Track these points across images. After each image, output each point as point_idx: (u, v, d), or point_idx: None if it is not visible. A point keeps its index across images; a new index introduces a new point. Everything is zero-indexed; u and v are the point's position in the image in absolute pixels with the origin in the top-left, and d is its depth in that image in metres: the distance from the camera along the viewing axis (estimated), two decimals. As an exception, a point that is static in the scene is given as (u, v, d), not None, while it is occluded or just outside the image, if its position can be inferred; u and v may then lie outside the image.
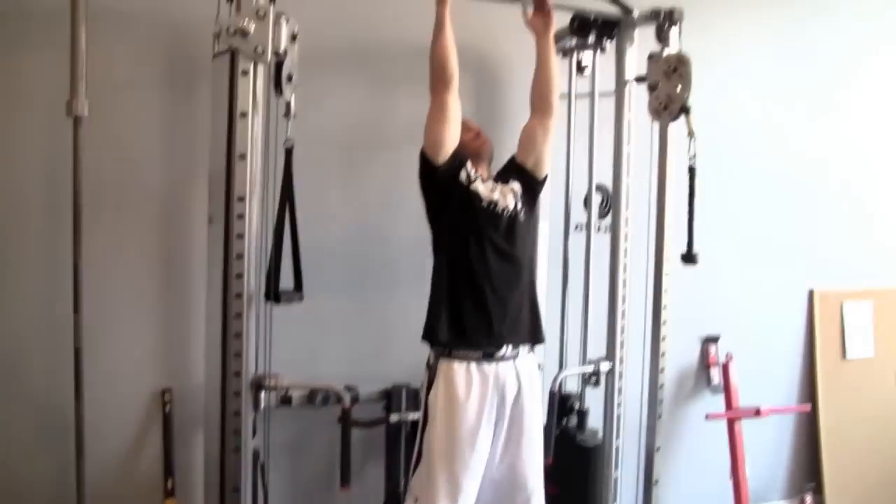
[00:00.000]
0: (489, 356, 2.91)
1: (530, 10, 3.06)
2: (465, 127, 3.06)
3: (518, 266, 3.00)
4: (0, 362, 3.14)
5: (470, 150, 3.05)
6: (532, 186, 3.12)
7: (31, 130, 3.15)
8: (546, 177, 3.19)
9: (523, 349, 3.01)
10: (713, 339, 4.44)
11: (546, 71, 3.08)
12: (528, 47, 3.12)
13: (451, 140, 2.92)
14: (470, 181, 2.98)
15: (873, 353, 4.93)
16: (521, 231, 3.03)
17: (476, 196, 2.97)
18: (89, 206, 2.96)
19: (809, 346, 4.78)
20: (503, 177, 3.11)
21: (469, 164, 3.01)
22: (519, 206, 3.03)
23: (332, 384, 3.19)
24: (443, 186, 2.96)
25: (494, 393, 2.91)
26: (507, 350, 2.94)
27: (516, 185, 3.07)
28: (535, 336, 3.08)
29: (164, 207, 3.35)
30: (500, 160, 3.18)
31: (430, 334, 2.94)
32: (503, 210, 2.99)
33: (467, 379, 2.88)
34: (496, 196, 3.00)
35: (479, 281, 2.92)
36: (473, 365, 2.89)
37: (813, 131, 4.71)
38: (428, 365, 2.98)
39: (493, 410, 2.91)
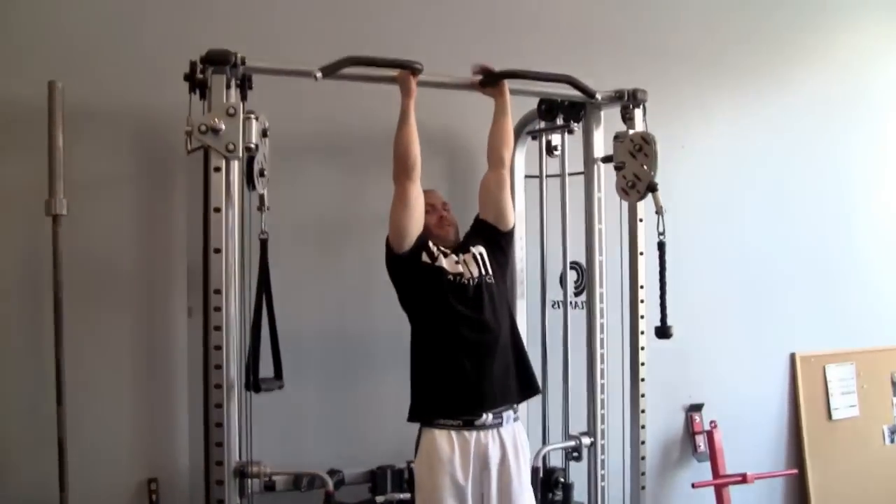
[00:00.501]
0: (469, 424, 2.95)
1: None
2: (431, 207, 3.15)
3: (492, 331, 3.04)
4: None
5: (433, 234, 3.12)
6: (497, 241, 3.19)
7: (10, 229, 3.20)
8: (513, 228, 3.26)
9: (508, 415, 3.04)
10: (697, 407, 4.45)
11: (496, 129, 3.19)
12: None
13: (414, 228, 3.00)
14: (433, 259, 3.05)
15: (858, 412, 4.95)
16: (490, 295, 3.07)
17: (441, 272, 3.03)
18: (70, 300, 3.01)
19: (794, 409, 4.80)
20: (467, 243, 3.18)
21: (430, 244, 3.08)
22: (485, 271, 3.09)
23: (315, 469, 3.19)
24: (408, 270, 3.03)
25: (476, 460, 2.95)
26: (488, 418, 2.97)
27: (480, 249, 3.14)
28: (526, 390, 3.14)
29: (144, 300, 3.39)
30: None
31: (413, 410, 3.00)
32: (468, 280, 3.05)
33: (449, 445, 2.92)
34: (460, 268, 3.06)
35: (453, 353, 2.97)
36: (454, 432, 2.94)
37: (787, 198, 4.81)
38: (417, 438, 3.03)
39: (476, 476, 2.95)
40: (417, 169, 2.96)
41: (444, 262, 3.04)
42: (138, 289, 3.38)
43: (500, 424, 3.01)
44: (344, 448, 3.59)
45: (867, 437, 4.99)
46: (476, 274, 3.06)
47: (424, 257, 3.03)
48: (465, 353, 2.97)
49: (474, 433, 2.95)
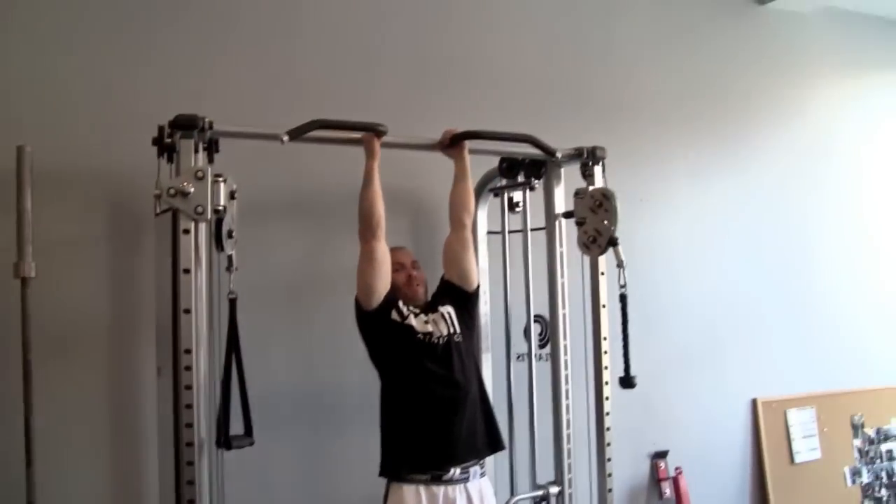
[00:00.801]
0: (437, 479, 3.00)
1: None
2: (400, 265, 3.22)
3: (461, 388, 3.09)
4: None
5: (402, 293, 3.18)
6: (464, 300, 3.26)
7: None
8: (477, 287, 3.33)
9: (475, 471, 3.09)
10: (662, 454, 4.51)
11: (456, 191, 3.27)
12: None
13: (381, 285, 3.05)
14: (403, 317, 3.10)
15: (820, 455, 5.03)
16: (459, 353, 3.14)
17: (410, 330, 3.09)
18: (38, 360, 2.98)
19: (757, 454, 4.88)
20: (435, 302, 3.24)
21: (400, 303, 3.13)
22: (453, 329, 3.15)
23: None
24: (377, 327, 3.09)
25: None
26: (455, 472, 3.03)
27: (448, 308, 3.20)
28: (493, 444, 3.19)
29: (113, 360, 3.40)
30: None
31: (384, 467, 3.04)
32: (438, 339, 3.11)
33: (416, 501, 2.97)
34: (430, 327, 3.12)
35: (422, 409, 3.03)
36: (422, 487, 2.98)
37: (746, 247, 4.94)
38: (385, 496, 3.06)
39: None
40: (382, 227, 3.02)
41: (414, 322, 3.10)
42: (107, 349, 3.39)
43: (467, 479, 3.06)
44: (315, 502, 3.61)
45: (829, 479, 5.07)
46: (445, 332, 3.12)
47: (394, 315, 3.09)
48: (434, 409, 3.03)
49: (442, 488, 2.99)
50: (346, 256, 3.27)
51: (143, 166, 3.00)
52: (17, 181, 2.96)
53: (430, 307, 3.21)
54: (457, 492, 3.02)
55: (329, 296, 3.72)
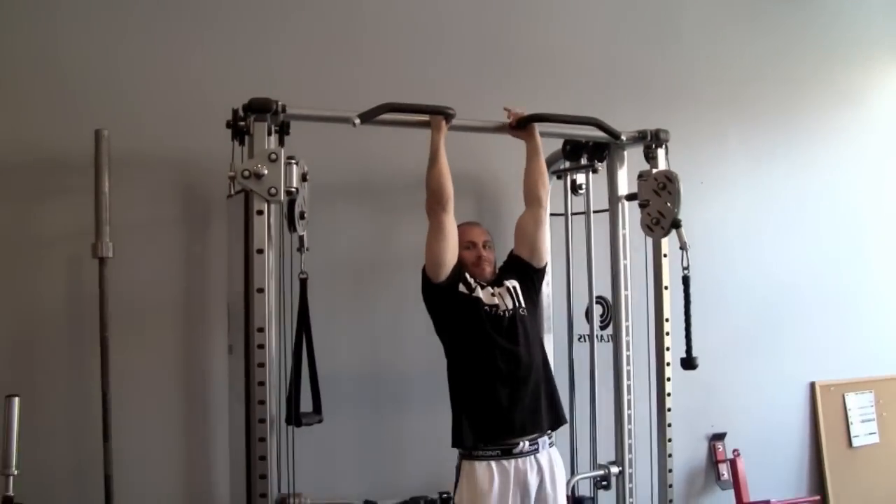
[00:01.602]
0: (507, 453, 3.04)
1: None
2: (472, 243, 3.25)
3: (526, 361, 3.13)
4: (32, 491, 3.21)
5: (468, 269, 3.21)
6: (531, 276, 3.29)
7: (58, 270, 3.32)
8: (545, 265, 3.36)
9: (543, 441, 3.13)
10: (720, 437, 4.52)
11: (531, 169, 3.30)
12: (520, 169, 3.33)
13: (449, 258, 3.09)
14: (471, 290, 3.14)
15: (878, 439, 5.01)
16: (524, 327, 3.17)
17: (478, 303, 3.12)
18: (114, 337, 3.14)
19: (815, 437, 4.86)
20: (501, 276, 3.27)
21: (468, 276, 3.18)
22: (518, 303, 3.19)
23: (352, 500, 3.28)
24: (445, 300, 3.12)
25: (516, 488, 3.04)
26: (524, 445, 3.07)
27: (513, 283, 3.23)
28: (556, 419, 3.22)
29: (185, 338, 3.51)
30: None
31: (455, 438, 3.08)
32: (504, 312, 3.14)
33: (489, 476, 3.01)
34: (496, 300, 3.16)
35: (490, 382, 3.06)
36: (493, 463, 3.03)
37: (804, 230, 4.90)
38: (457, 467, 3.11)
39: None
40: (451, 201, 3.06)
41: (481, 294, 3.14)
42: (180, 327, 3.49)
43: (537, 450, 3.10)
44: (379, 479, 3.69)
45: (887, 463, 5.03)
46: (511, 306, 3.16)
47: (461, 287, 3.13)
48: (500, 381, 3.06)
49: (513, 461, 3.04)
50: (410, 238, 3.33)
51: (213, 150, 3.10)
52: (96, 164, 3.08)
53: (496, 281, 3.25)
54: (527, 464, 3.07)
55: (393, 276, 3.80)
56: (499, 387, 3.06)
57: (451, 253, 3.09)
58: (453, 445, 3.09)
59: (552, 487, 3.12)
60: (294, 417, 3.04)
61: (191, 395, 3.50)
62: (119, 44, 3.43)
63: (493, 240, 3.36)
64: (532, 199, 3.29)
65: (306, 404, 3.11)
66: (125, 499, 3.17)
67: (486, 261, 3.27)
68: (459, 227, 3.20)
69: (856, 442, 4.94)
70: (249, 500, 2.92)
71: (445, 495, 3.47)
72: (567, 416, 3.40)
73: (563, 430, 3.60)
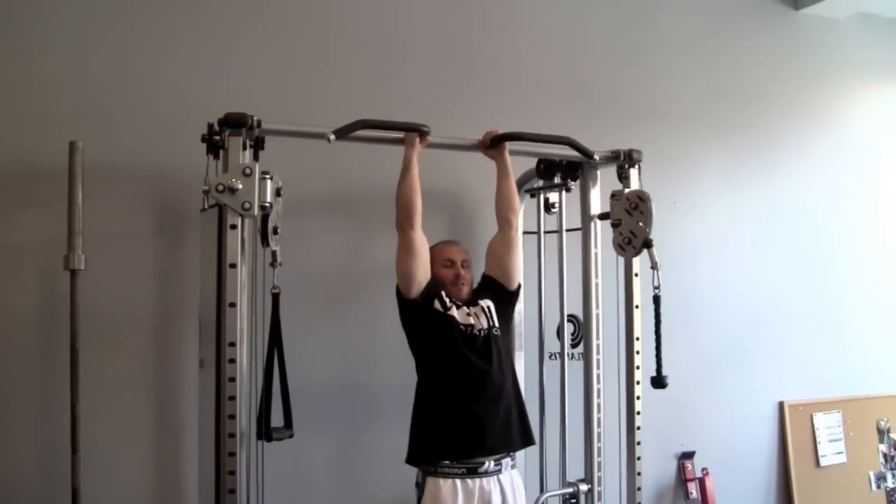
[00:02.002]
0: (473, 471, 3.06)
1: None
2: (451, 262, 3.28)
3: (499, 381, 3.15)
4: (-2, 502, 3.24)
5: (445, 288, 3.23)
6: (503, 297, 3.31)
7: (29, 282, 3.30)
8: (518, 287, 3.37)
9: (507, 462, 3.15)
10: (689, 455, 4.55)
11: (501, 191, 3.31)
12: (494, 185, 3.34)
13: (420, 274, 3.10)
14: (446, 308, 3.16)
15: (846, 459, 5.06)
16: (497, 347, 3.19)
17: (452, 321, 3.14)
18: (85, 350, 3.11)
19: (783, 457, 4.90)
20: (476, 296, 3.29)
21: (443, 293, 3.19)
22: (492, 322, 3.21)
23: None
24: (419, 316, 3.14)
25: None
26: (490, 464, 3.09)
27: (488, 302, 3.25)
28: (525, 439, 3.24)
29: (157, 352, 3.48)
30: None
31: (415, 455, 3.09)
32: (479, 331, 3.16)
33: (452, 494, 3.02)
34: (471, 319, 3.18)
35: (462, 400, 3.08)
36: (458, 481, 3.04)
37: (775, 251, 4.97)
38: (416, 484, 3.13)
39: None
40: (419, 216, 3.07)
41: (456, 313, 3.16)
42: (151, 341, 3.47)
43: (500, 471, 3.12)
44: (350, 494, 3.70)
45: (854, 483, 5.09)
46: (485, 326, 3.18)
47: (437, 304, 3.15)
48: (472, 400, 3.08)
49: (478, 480, 3.06)
50: (383, 254, 3.35)
51: (188, 164, 3.12)
52: (69, 176, 3.06)
53: (471, 301, 3.27)
54: (491, 484, 3.09)
55: (366, 291, 3.80)
56: (471, 405, 3.08)
57: (421, 269, 3.10)
58: (409, 461, 3.11)
59: None
60: (265, 432, 3.02)
61: (161, 409, 3.48)
62: (95, 55, 3.42)
63: (471, 259, 3.37)
64: (502, 221, 3.31)
65: (277, 419, 3.10)
66: (92, 512, 3.15)
67: (463, 280, 3.29)
68: (438, 245, 3.24)
69: (823, 461, 4.99)
70: (218, 514, 2.91)
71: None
72: (537, 436, 3.42)
73: (533, 447, 3.62)
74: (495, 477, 3.11)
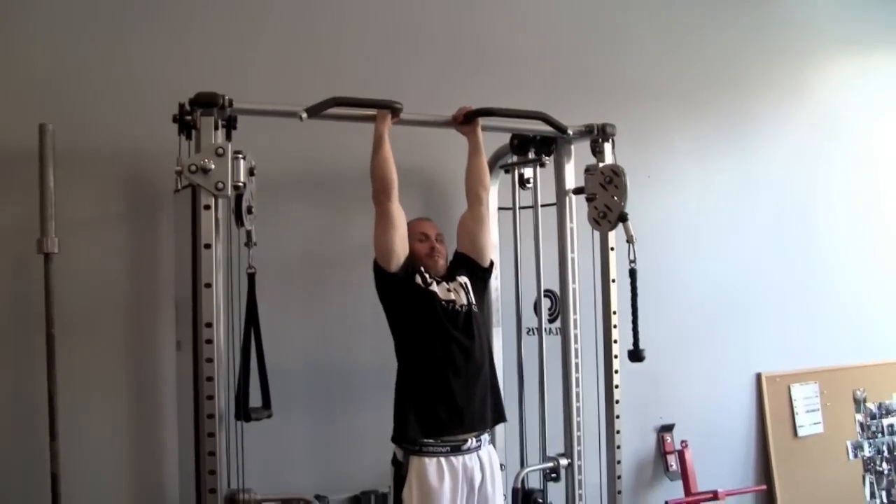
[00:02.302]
0: (456, 449, 3.07)
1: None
2: (424, 235, 3.27)
3: (479, 357, 3.16)
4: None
5: (423, 262, 3.22)
6: (477, 274, 3.32)
7: (2, 266, 3.26)
8: (492, 263, 3.39)
9: (485, 438, 3.17)
10: (668, 428, 4.58)
11: (472, 167, 3.32)
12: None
13: (400, 246, 3.09)
14: (427, 284, 3.15)
15: (823, 429, 5.10)
16: (477, 323, 3.20)
17: (434, 297, 3.13)
18: (61, 334, 3.09)
19: (761, 428, 4.94)
20: (452, 273, 3.28)
21: (423, 269, 3.18)
22: (471, 299, 3.21)
23: (302, 494, 3.26)
24: (400, 291, 3.13)
25: (464, 484, 3.07)
26: (472, 442, 3.10)
27: (464, 279, 3.25)
28: (498, 416, 3.26)
29: (133, 334, 3.46)
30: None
31: (398, 434, 3.08)
32: (461, 307, 3.16)
33: (439, 473, 3.03)
34: (452, 295, 3.18)
35: (445, 377, 3.08)
36: (443, 459, 3.04)
37: (749, 223, 4.99)
38: (394, 461, 3.13)
39: (464, 501, 3.06)
40: (395, 188, 3.06)
41: (437, 289, 3.16)
42: (128, 323, 3.45)
43: (479, 447, 3.13)
44: (329, 473, 3.69)
45: (832, 453, 5.14)
46: (465, 302, 3.18)
47: (417, 279, 3.14)
48: (455, 376, 3.08)
49: (461, 458, 3.07)
50: (359, 232, 3.34)
51: (160, 145, 3.11)
52: (40, 159, 3.04)
53: (448, 276, 3.26)
54: (473, 461, 3.10)
55: (343, 270, 3.79)
56: (453, 382, 3.08)
57: (400, 241, 3.09)
58: (394, 440, 3.10)
59: (492, 486, 3.16)
60: (243, 413, 3.01)
61: (139, 392, 3.47)
62: (64, 36, 3.38)
63: (443, 234, 3.37)
64: (472, 197, 3.31)
65: (256, 399, 3.09)
66: (72, 498, 3.13)
67: (438, 252, 3.28)
68: (411, 221, 3.22)
69: (801, 432, 5.03)
70: (199, 496, 2.89)
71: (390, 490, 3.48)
72: (516, 412, 3.43)
73: (513, 422, 3.66)
74: (475, 454, 3.12)
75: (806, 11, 5.34)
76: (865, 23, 5.57)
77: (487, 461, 3.16)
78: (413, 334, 3.15)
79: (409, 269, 3.13)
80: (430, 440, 3.05)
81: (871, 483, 5.23)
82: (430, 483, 3.01)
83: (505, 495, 3.37)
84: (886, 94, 5.63)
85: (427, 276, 3.17)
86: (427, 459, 3.04)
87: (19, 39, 3.32)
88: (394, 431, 3.11)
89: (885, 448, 5.31)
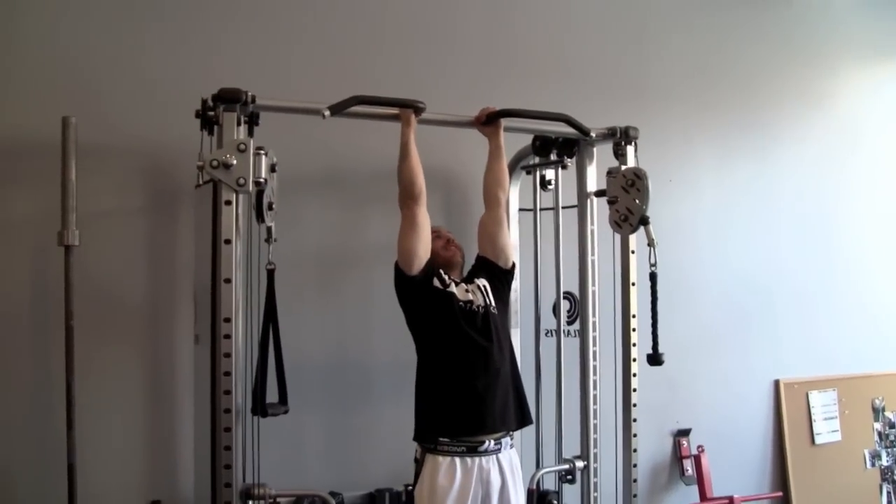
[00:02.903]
0: (472, 450, 3.04)
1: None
2: (437, 234, 3.25)
3: (498, 359, 3.13)
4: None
5: (441, 259, 3.22)
6: (498, 276, 3.30)
7: (23, 258, 3.29)
8: (513, 266, 3.37)
9: (506, 441, 3.14)
10: (685, 432, 4.56)
11: (492, 168, 3.31)
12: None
13: (422, 251, 3.08)
14: (445, 285, 3.14)
15: (840, 437, 5.07)
16: (496, 324, 3.17)
17: (453, 298, 3.13)
18: (80, 326, 3.11)
19: (778, 434, 4.92)
20: (472, 276, 3.29)
21: (441, 272, 3.18)
22: (490, 300, 3.19)
23: (317, 491, 3.27)
24: (419, 293, 3.12)
25: (478, 486, 3.04)
26: (490, 444, 3.07)
27: (483, 282, 3.24)
28: (522, 419, 3.22)
29: (151, 327, 3.48)
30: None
31: (419, 432, 3.08)
32: (478, 308, 3.15)
33: (450, 472, 3.01)
34: (470, 296, 3.17)
35: (463, 378, 3.06)
36: (458, 459, 3.03)
37: (770, 229, 4.96)
38: (415, 459, 3.12)
39: (478, 502, 3.04)
40: (423, 193, 3.06)
41: (455, 290, 3.15)
42: (146, 317, 3.47)
43: (500, 450, 3.11)
44: (344, 471, 3.70)
45: (848, 461, 5.10)
46: (482, 303, 3.17)
47: (436, 282, 3.13)
48: (473, 377, 3.07)
49: (477, 459, 3.04)
50: (379, 230, 3.36)
51: (182, 140, 3.11)
52: (63, 152, 3.05)
53: (467, 279, 3.27)
54: (490, 463, 3.08)
55: (361, 268, 3.80)
56: (472, 383, 3.07)
57: (423, 245, 3.08)
58: (415, 439, 3.10)
59: (514, 489, 3.13)
60: (260, 408, 3.02)
61: (156, 385, 3.48)
62: (88, 31, 3.40)
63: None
64: (491, 199, 3.30)
65: (272, 395, 3.09)
66: (89, 488, 3.15)
67: (454, 244, 3.30)
68: None
69: (818, 439, 5.00)
70: (214, 490, 2.91)
71: (410, 487, 3.45)
72: (533, 413, 3.42)
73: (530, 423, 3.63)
74: (494, 456, 3.09)
75: (830, 20, 5.31)
76: (889, 32, 5.52)
77: (508, 465, 3.13)
78: (431, 334, 3.14)
79: (429, 272, 3.13)
80: (446, 439, 3.04)
81: (889, 493, 5.19)
82: (439, 481, 3.00)
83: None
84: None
85: (446, 277, 3.17)
86: (441, 458, 3.03)
87: (43, 33, 3.34)
88: (414, 429, 3.11)
89: (902, 457, 5.28)
